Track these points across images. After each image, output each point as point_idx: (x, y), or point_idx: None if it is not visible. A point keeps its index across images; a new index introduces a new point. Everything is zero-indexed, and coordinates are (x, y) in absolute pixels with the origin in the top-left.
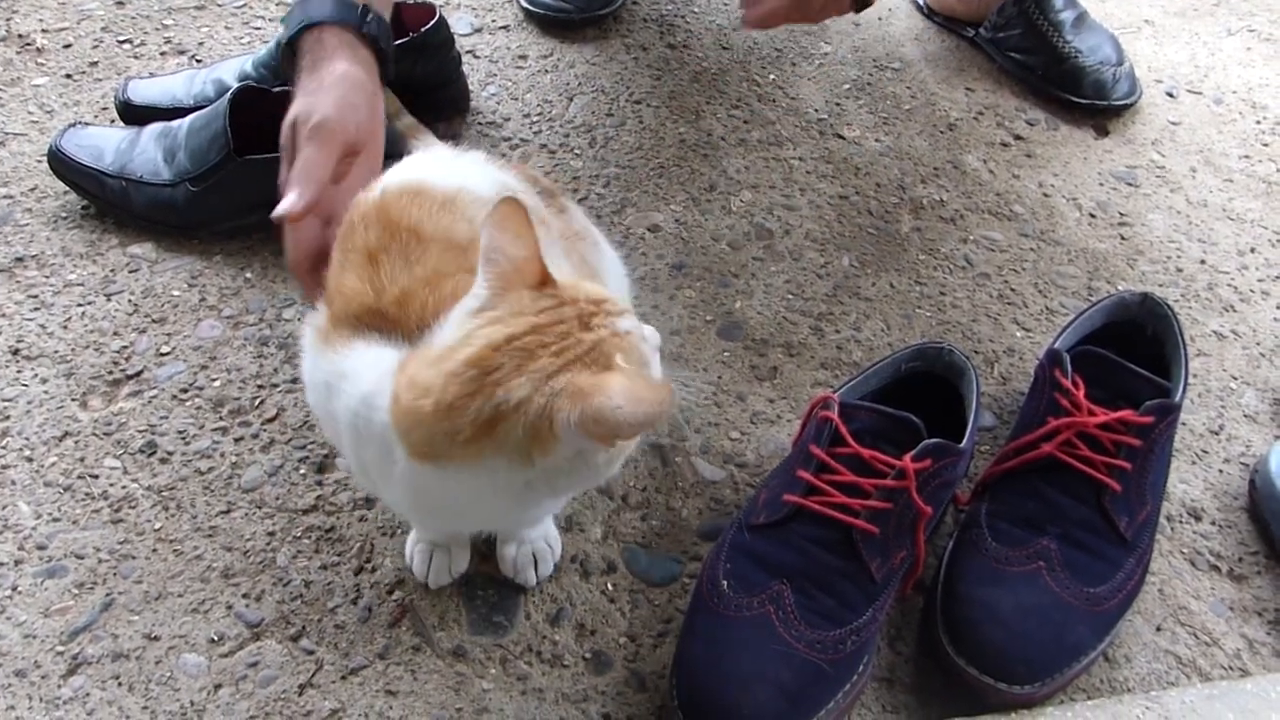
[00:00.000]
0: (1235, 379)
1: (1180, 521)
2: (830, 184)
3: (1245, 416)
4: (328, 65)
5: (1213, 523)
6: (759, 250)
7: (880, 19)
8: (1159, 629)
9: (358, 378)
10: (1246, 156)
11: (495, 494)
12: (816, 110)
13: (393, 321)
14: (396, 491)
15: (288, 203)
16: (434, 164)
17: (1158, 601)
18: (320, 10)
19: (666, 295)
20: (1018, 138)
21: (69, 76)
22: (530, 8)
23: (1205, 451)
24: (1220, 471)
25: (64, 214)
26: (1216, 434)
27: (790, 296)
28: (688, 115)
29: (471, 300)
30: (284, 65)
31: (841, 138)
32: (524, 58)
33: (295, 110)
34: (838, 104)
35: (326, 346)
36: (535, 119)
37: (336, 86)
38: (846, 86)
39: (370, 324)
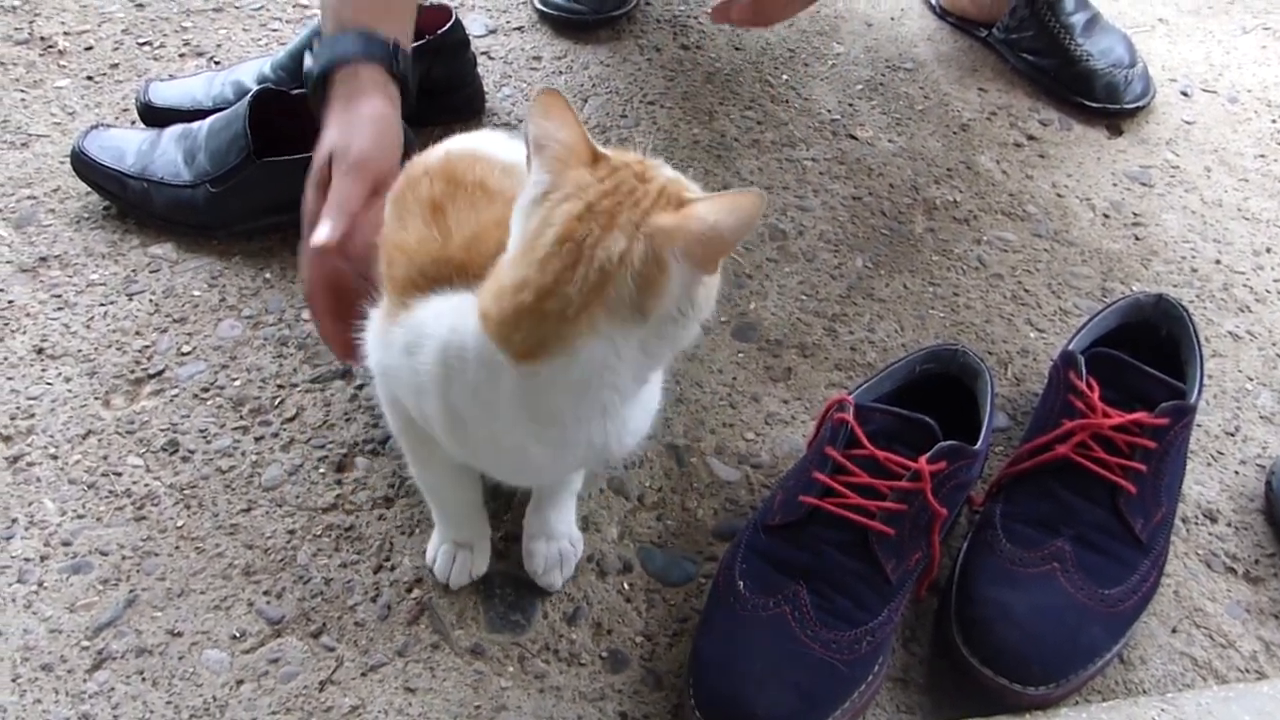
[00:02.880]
0: (1251, 380)
1: (1196, 523)
2: (843, 185)
3: (1261, 418)
4: (364, 101)
5: (1228, 524)
6: (773, 251)
7: (893, 19)
8: (1174, 631)
9: (439, 321)
10: (1262, 155)
11: (613, 371)
12: (829, 111)
13: (461, 266)
14: (505, 419)
15: (323, 233)
16: (493, 140)
17: (1173, 603)
18: (354, 47)
19: None
20: (1031, 138)
21: (90, 78)
22: (544, 9)
23: (1221, 453)
24: (1236, 473)
25: (86, 214)
26: (1232, 435)
27: (804, 297)
28: (701, 116)
29: (532, 189)
30: (313, 98)
31: (854, 138)
32: (538, 59)
33: (331, 142)
34: (851, 104)
35: (396, 314)
36: None
37: (373, 124)
38: (859, 87)
39: (438, 276)
